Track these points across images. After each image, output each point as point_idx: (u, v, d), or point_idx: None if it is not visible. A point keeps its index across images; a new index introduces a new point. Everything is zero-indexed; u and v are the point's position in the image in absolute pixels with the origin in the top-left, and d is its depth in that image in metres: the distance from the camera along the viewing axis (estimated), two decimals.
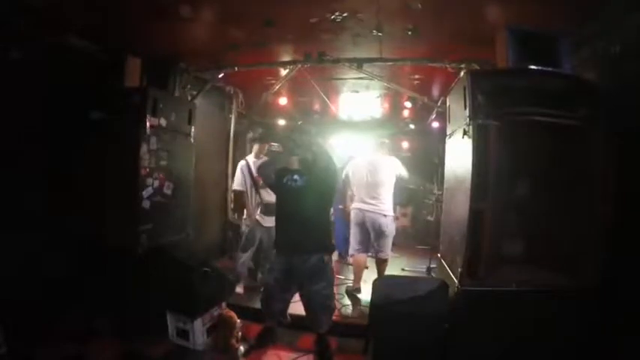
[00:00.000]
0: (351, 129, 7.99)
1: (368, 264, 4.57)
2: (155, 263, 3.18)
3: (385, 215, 4.10)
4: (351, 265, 4.81)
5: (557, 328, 2.28)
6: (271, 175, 3.01)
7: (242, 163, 4.27)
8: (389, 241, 4.17)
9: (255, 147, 4.38)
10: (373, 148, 4.60)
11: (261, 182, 4.12)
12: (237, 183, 4.25)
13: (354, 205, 4.28)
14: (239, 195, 4.33)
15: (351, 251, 4.37)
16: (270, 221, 4.10)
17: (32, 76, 3.08)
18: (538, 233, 2.41)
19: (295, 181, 2.88)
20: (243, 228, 4.28)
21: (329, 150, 3.12)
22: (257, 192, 4.16)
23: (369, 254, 4.37)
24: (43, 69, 3.18)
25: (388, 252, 4.21)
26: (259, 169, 3.38)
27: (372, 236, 4.15)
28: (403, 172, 4.27)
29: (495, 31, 2.84)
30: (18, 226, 2.98)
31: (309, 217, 2.83)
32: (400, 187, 4.41)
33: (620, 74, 2.50)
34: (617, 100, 2.37)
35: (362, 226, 4.18)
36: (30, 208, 3.05)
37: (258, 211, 4.14)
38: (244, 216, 4.25)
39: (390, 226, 4.14)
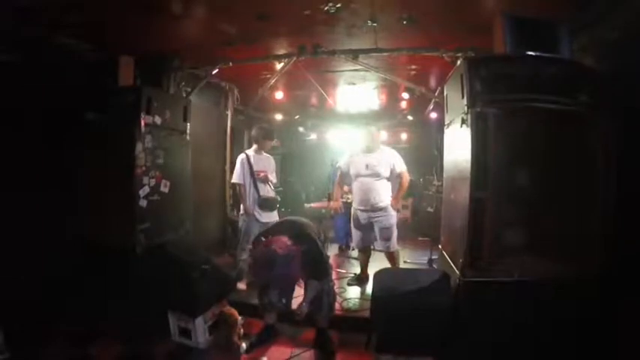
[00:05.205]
0: (348, 122, 7.95)
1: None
2: (154, 262, 3.16)
3: None
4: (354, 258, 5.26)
5: (559, 317, 2.26)
6: None
7: (242, 156, 4.23)
8: None
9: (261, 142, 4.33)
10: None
11: (261, 176, 4.12)
12: (236, 176, 4.21)
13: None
14: (237, 188, 4.29)
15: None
16: (266, 216, 4.10)
17: (23, 76, 3.04)
18: (539, 222, 2.37)
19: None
20: (241, 223, 4.26)
21: None
22: (255, 186, 4.14)
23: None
24: (34, 69, 3.14)
25: None
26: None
27: None
28: None
29: (492, 18, 2.79)
30: (14, 227, 2.96)
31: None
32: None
33: (619, 60, 2.46)
34: (617, 86, 2.33)
35: None
36: (25, 209, 3.03)
37: (256, 206, 4.12)
38: (241, 212, 4.23)
39: None
